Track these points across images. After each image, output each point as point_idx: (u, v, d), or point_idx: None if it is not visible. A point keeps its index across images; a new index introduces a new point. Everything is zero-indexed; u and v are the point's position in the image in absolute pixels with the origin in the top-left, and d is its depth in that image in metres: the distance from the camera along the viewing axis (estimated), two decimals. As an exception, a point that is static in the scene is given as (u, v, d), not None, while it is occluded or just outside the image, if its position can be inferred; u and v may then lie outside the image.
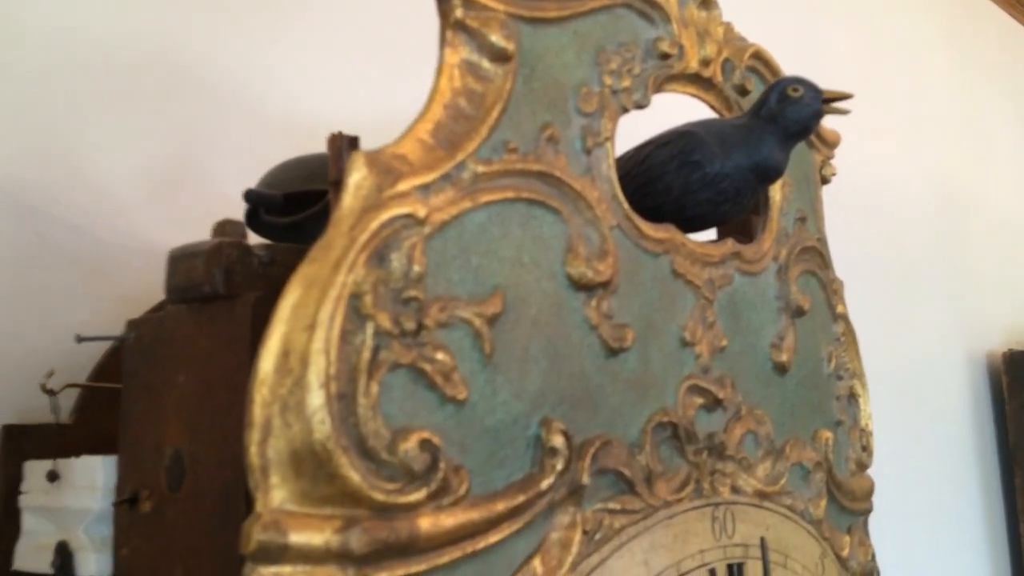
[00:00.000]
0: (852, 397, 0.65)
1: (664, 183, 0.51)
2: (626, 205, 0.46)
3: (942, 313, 1.80)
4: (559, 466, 0.40)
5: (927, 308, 1.76)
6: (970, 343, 1.89)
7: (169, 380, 0.46)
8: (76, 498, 0.49)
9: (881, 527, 1.39)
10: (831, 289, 0.64)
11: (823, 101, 0.51)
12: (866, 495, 0.63)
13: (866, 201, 1.60)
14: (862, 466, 0.64)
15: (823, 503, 0.56)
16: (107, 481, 0.48)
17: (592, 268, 0.43)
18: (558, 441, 0.40)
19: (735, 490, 0.50)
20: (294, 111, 0.81)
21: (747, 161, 0.50)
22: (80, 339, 0.49)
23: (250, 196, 0.53)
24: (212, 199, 0.73)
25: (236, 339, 0.43)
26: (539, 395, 0.41)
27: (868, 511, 0.64)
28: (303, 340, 0.33)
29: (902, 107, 1.84)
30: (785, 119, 0.50)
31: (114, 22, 0.75)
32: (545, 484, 0.40)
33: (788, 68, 0.59)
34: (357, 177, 0.36)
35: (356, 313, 0.35)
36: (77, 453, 0.51)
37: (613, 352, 0.44)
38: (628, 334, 0.45)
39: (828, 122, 0.75)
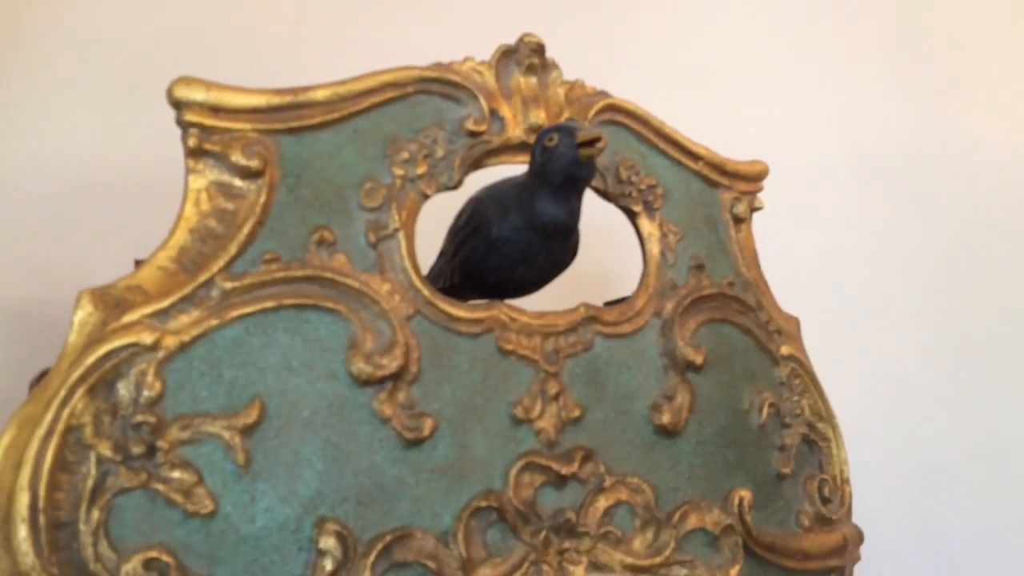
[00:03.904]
0: (810, 444, 0.60)
1: (462, 254, 0.50)
2: (427, 291, 0.46)
3: None
4: (329, 567, 0.41)
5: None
6: None
7: None
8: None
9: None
10: (768, 331, 0.60)
11: (578, 145, 0.47)
12: (829, 552, 0.58)
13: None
14: (825, 520, 0.59)
15: (735, 570, 0.52)
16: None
17: (373, 363, 0.44)
18: (328, 543, 0.41)
19: (596, 567, 0.48)
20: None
21: (523, 221, 0.48)
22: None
23: None
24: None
25: None
26: (315, 497, 0.42)
27: (838, 568, 0.59)
28: (11, 479, 0.36)
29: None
30: (547, 171, 0.48)
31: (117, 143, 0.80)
32: (313, 587, 0.40)
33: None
34: (81, 315, 0.39)
35: (79, 444, 0.38)
36: None
37: (411, 443, 0.44)
38: (426, 423, 0.44)
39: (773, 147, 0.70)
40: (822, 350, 0.66)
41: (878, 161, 1.10)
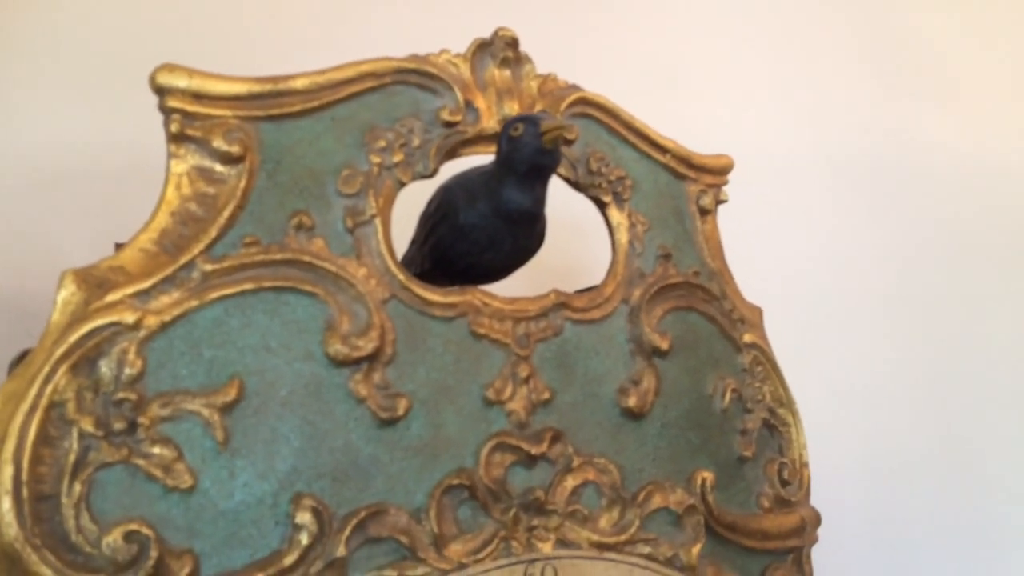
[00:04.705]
0: (771, 428, 0.62)
1: (432, 240, 0.52)
2: (402, 276, 0.48)
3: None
4: (305, 541, 0.42)
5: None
6: None
7: None
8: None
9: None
10: (731, 319, 0.62)
11: (542, 135, 0.48)
12: (787, 533, 0.60)
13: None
14: (784, 502, 0.61)
15: (697, 548, 0.54)
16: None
17: (349, 345, 0.45)
18: (304, 517, 0.42)
19: (564, 544, 0.50)
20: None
21: (489, 208, 0.50)
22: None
23: None
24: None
25: None
26: (292, 473, 0.43)
27: (796, 548, 0.61)
28: (-5, 451, 0.37)
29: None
30: (513, 160, 0.49)
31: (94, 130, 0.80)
32: (289, 560, 0.42)
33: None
34: (65, 294, 0.40)
35: (62, 420, 0.39)
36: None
37: (386, 422, 0.46)
38: (400, 403, 0.46)
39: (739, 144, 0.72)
40: (787, 340, 0.68)
41: (844, 158, 1.13)
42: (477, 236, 0.50)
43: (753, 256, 0.75)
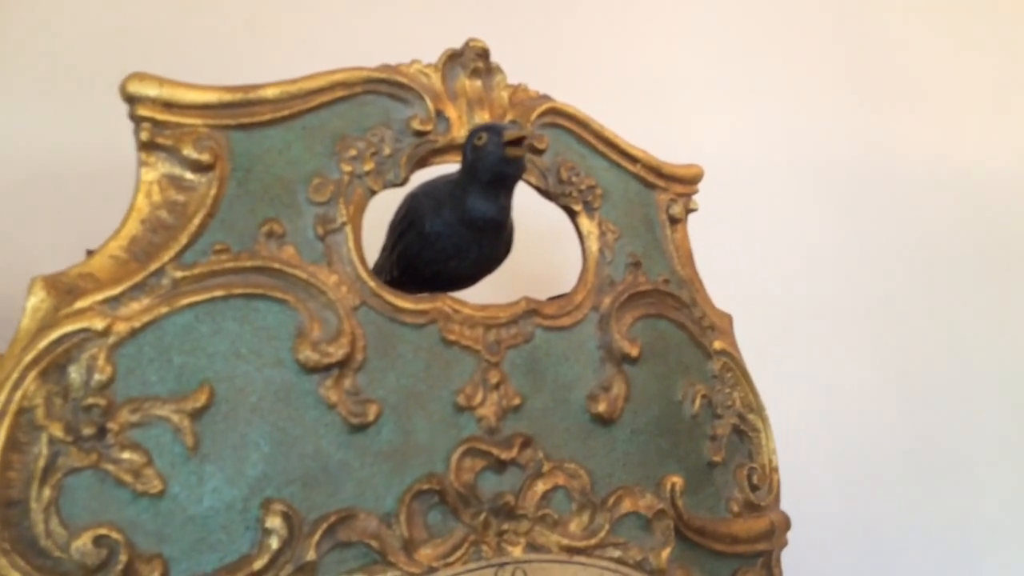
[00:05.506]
0: (740, 434, 0.63)
1: (399, 248, 0.52)
2: (373, 283, 0.48)
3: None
4: (274, 545, 0.42)
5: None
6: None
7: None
8: None
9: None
10: (702, 326, 0.62)
11: (505, 144, 0.49)
12: (757, 537, 0.61)
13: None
14: (753, 506, 0.62)
15: (666, 552, 0.55)
16: None
17: (319, 351, 0.45)
18: (274, 522, 0.43)
19: (534, 548, 0.50)
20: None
21: (455, 216, 0.51)
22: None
23: None
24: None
25: None
26: (262, 479, 0.44)
27: (765, 552, 0.62)
28: (-37, 457, 0.37)
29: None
30: (477, 169, 0.50)
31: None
32: (259, 565, 0.42)
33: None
34: (34, 301, 0.40)
35: (31, 426, 0.39)
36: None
37: (356, 428, 0.46)
38: (370, 409, 0.46)
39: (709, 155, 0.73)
40: (759, 346, 0.69)
41: (819, 166, 1.14)
42: (443, 244, 0.51)
43: (726, 263, 0.76)
